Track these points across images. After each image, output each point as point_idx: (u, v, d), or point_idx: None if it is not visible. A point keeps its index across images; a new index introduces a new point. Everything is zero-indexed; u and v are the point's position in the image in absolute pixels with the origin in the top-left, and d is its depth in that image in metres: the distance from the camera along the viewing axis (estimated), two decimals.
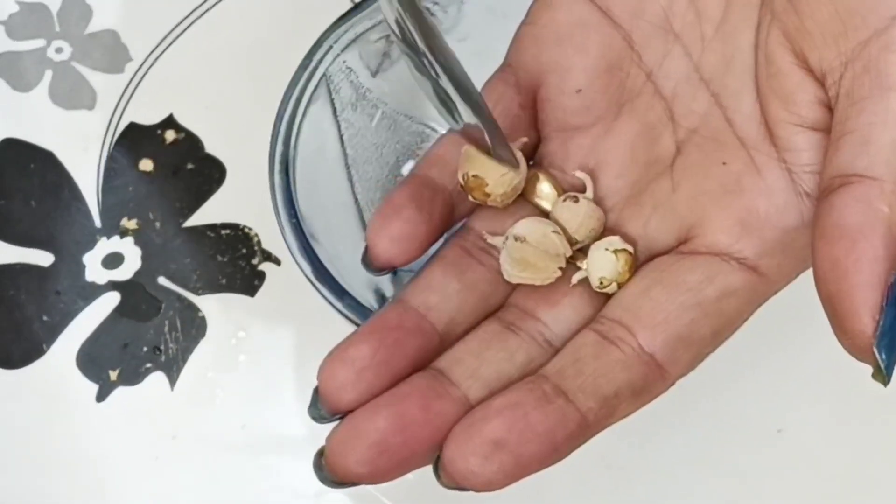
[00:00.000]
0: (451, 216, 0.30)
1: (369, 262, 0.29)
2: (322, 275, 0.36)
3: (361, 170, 0.43)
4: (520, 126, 0.31)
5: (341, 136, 0.42)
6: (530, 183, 0.30)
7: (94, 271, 0.46)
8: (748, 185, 0.28)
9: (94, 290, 0.46)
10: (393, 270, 0.29)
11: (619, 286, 0.28)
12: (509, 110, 0.31)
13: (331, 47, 0.39)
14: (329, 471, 0.25)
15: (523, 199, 0.31)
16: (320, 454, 0.26)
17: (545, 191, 0.30)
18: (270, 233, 0.46)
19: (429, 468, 0.42)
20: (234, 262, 0.46)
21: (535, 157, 0.32)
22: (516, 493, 0.42)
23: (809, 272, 0.36)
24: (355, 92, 0.41)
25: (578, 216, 0.29)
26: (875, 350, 0.22)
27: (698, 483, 0.42)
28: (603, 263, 0.28)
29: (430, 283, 0.29)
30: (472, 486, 0.25)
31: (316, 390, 0.27)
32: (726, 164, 0.28)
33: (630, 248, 0.29)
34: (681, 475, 0.42)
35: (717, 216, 0.28)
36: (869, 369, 0.43)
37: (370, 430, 0.25)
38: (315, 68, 0.39)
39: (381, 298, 0.42)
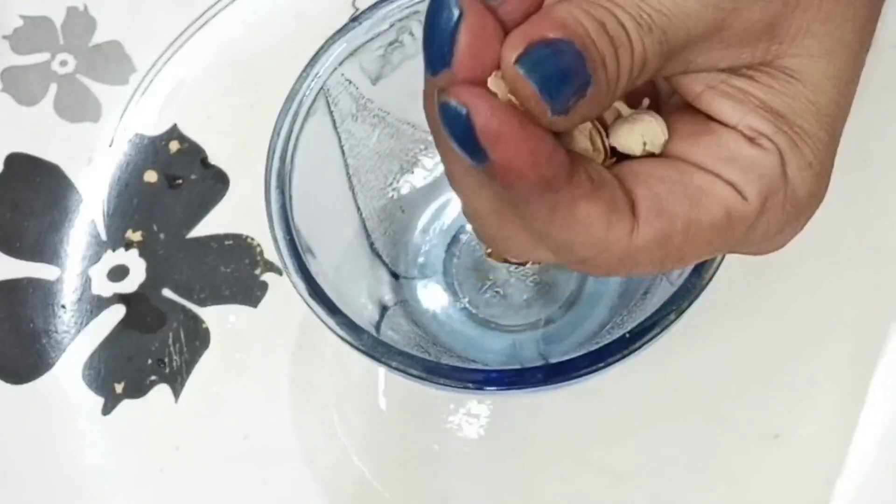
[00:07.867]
0: None
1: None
2: (315, 291, 0.36)
3: (364, 179, 0.43)
4: None
5: (342, 147, 0.42)
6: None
7: (100, 284, 0.46)
8: None
9: (100, 303, 0.46)
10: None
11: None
12: None
13: (328, 61, 0.39)
14: None
15: None
16: None
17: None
18: (272, 243, 0.46)
19: (424, 470, 0.42)
20: (237, 272, 0.46)
21: None
22: (513, 499, 0.42)
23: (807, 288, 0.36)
24: (355, 103, 0.41)
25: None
26: (515, 69, 0.26)
27: (696, 488, 0.42)
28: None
29: None
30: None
31: None
32: None
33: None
34: (678, 480, 0.42)
35: None
36: (864, 377, 0.43)
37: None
38: (312, 83, 0.39)
39: (383, 309, 0.42)
